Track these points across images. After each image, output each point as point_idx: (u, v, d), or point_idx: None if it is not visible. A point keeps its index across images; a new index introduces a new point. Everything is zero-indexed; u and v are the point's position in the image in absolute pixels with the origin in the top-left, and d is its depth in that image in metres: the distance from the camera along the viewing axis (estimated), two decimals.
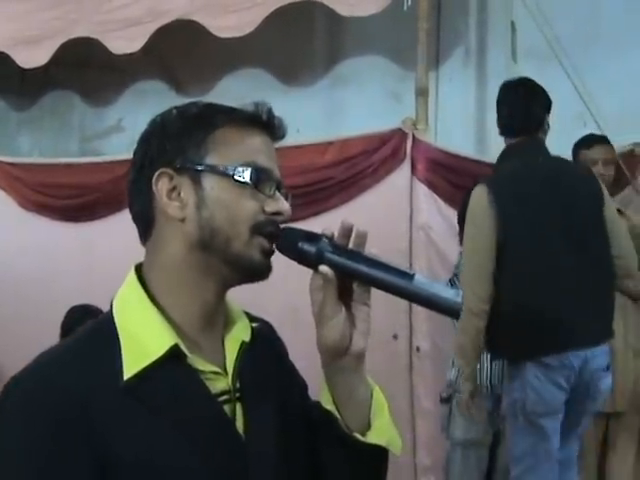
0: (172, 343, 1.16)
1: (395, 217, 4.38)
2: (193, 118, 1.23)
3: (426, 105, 4.39)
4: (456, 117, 4.81)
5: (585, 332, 3.10)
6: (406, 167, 4.34)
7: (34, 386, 1.11)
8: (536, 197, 3.16)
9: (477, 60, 4.88)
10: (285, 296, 3.83)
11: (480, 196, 3.16)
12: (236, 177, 1.19)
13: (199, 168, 1.20)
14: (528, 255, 3.13)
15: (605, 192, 3.23)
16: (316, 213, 4.50)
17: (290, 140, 4.49)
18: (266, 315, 1.40)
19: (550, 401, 3.13)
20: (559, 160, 3.38)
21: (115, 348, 1.15)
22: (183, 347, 1.17)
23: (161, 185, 1.20)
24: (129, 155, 1.28)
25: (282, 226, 1.23)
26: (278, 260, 1.23)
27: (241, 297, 1.32)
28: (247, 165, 1.20)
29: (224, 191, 1.19)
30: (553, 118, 4.41)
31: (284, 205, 1.23)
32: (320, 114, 5.19)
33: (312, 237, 1.20)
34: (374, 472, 1.31)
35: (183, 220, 1.20)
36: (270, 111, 1.26)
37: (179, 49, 5.38)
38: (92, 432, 1.08)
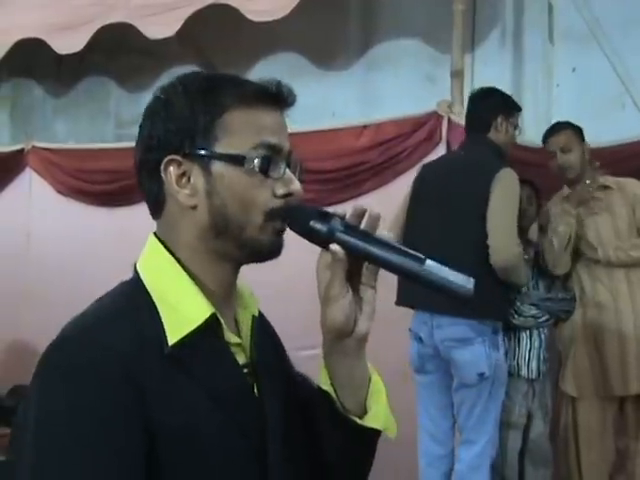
0: (210, 312, 1.18)
1: None
2: (200, 98, 1.20)
3: (462, 88, 4.35)
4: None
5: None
6: (442, 150, 4.31)
7: (81, 347, 1.11)
8: (431, 180, 3.74)
9: (513, 42, 4.82)
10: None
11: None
12: (245, 165, 1.18)
13: (208, 155, 1.19)
14: (409, 224, 3.73)
15: (496, 190, 3.46)
16: (351, 197, 4.49)
17: (325, 124, 4.49)
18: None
19: (410, 358, 3.74)
20: (474, 155, 3.67)
21: (152, 314, 1.16)
22: (220, 317, 1.19)
23: (170, 172, 1.20)
24: None
25: (293, 203, 1.22)
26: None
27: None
28: (255, 148, 1.19)
29: (235, 179, 1.18)
30: (591, 100, 4.36)
31: (295, 186, 1.22)
32: (355, 98, 5.17)
33: (324, 216, 1.18)
34: (367, 452, 1.33)
35: (194, 207, 1.20)
36: (279, 83, 1.24)
37: (214, 33, 5.38)
38: (138, 394, 1.09)
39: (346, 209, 1.18)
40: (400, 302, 3.64)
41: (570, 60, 4.62)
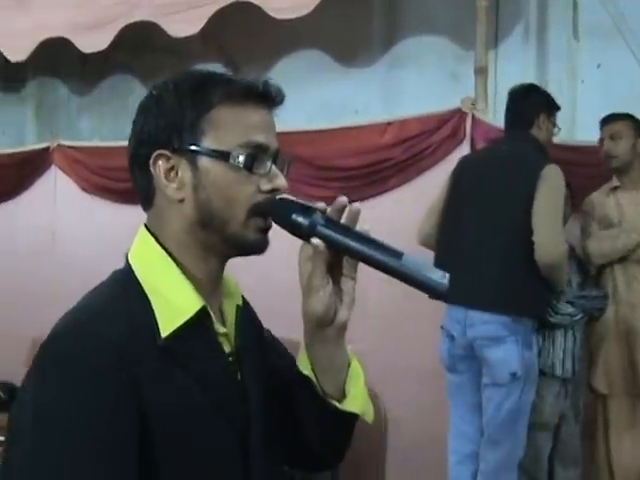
0: (201, 305, 1.23)
1: None
2: (189, 95, 1.24)
3: (485, 84, 4.33)
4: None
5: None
6: (465, 147, 4.30)
7: (77, 337, 1.15)
8: (472, 172, 3.72)
9: (537, 38, 4.79)
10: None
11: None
12: (230, 161, 1.22)
13: (195, 150, 1.23)
14: (447, 215, 3.72)
15: (543, 186, 3.43)
16: (374, 194, 4.49)
17: (348, 121, 4.48)
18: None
19: (441, 355, 3.72)
20: (518, 150, 3.65)
21: (144, 304, 1.21)
22: (209, 308, 1.24)
23: (159, 166, 1.24)
24: None
25: (277, 197, 1.26)
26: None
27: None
28: (242, 146, 1.23)
29: (220, 174, 1.23)
30: (616, 97, 4.32)
31: (280, 182, 1.26)
32: (378, 95, 5.15)
33: (306, 210, 1.23)
34: (345, 435, 1.40)
35: (182, 201, 1.24)
36: (266, 81, 1.27)
37: (237, 31, 5.39)
38: (131, 382, 1.13)
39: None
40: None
41: (595, 56, 4.58)
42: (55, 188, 5.79)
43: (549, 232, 3.41)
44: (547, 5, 4.73)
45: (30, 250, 5.68)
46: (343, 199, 1.23)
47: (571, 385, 3.83)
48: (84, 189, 5.66)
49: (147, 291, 1.22)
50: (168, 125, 1.23)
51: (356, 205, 1.23)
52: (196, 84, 1.25)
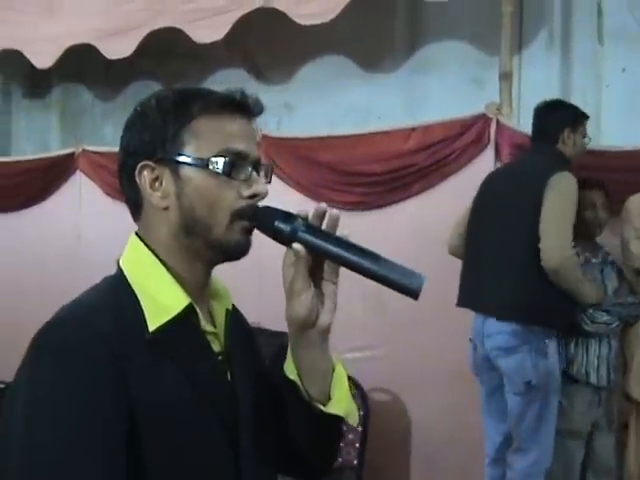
0: (187, 302, 1.28)
1: None
2: (170, 109, 1.30)
3: (510, 90, 4.32)
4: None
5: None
6: (490, 152, 4.29)
7: (71, 329, 1.20)
8: (489, 187, 3.81)
9: (562, 44, 4.77)
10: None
11: None
12: (210, 168, 1.28)
13: (176, 160, 1.29)
14: (471, 227, 3.80)
15: (550, 193, 3.47)
16: (398, 200, 4.49)
17: (371, 127, 4.48)
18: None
19: (470, 363, 3.79)
20: (534, 162, 3.72)
21: (134, 303, 1.26)
22: (196, 307, 1.30)
23: (144, 177, 1.31)
24: None
25: (260, 205, 1.32)
26: None
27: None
28: (221, 154, 1.28)
29: (201, 181, 1.28)
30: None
31: (260, 187, 1.31)
32: (401, 101, 5.15)
33: (288, 217, 1.28)
34: (331, 437, 1.45)
35: (167, 208, 1.31)
36: (243, 93, 1.32)
37: (261, 37, 5.41)
38: (122, 375, 1.17)
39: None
40: (459, 303, 3.74)
41: (620, 61, 4.56)
42: (80, 193, 5.83)
43: (554, 237, 3.42)
44: (572, 10, 4.72)
45: (56, 252, 5.73)
46: (323, 205, 1.29)
47: (605, 393, 3.76)
48: (108, 194, 5.68)
49: (136, 291, 1.28)
50: (152, 138, 1.29)
51: (335, 211, 1.28)
52: (177, 98, 1.32)
